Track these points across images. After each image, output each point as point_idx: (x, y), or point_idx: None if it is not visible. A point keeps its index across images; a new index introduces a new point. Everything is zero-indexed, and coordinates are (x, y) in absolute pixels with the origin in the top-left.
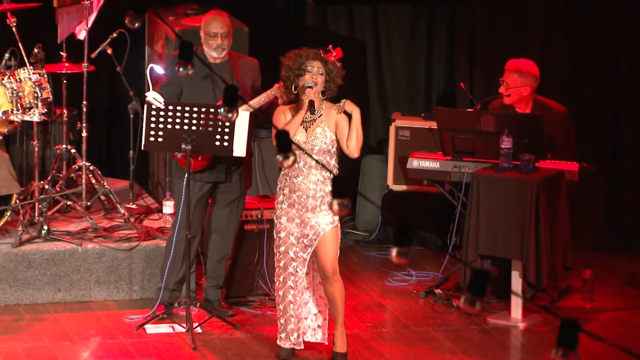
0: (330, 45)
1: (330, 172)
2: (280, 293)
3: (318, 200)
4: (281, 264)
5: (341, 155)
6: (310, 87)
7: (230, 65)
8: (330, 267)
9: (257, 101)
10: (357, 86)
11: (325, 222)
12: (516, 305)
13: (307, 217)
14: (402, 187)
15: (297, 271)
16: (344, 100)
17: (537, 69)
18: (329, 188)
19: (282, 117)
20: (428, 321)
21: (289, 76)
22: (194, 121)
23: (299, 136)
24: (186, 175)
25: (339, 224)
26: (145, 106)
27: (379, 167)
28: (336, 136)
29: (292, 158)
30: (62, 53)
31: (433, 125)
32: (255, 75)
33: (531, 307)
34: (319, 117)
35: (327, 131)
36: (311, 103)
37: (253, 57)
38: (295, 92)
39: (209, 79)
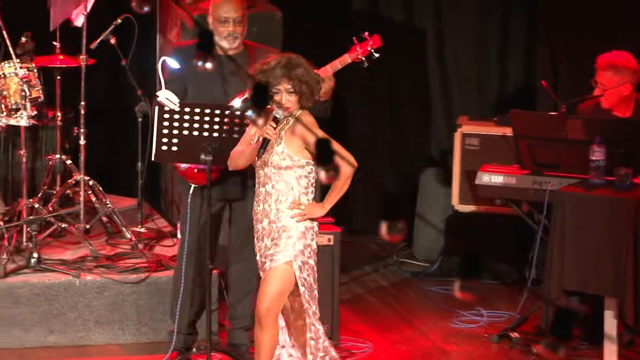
0: (367, 32)
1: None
2: None
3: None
4: None
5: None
6: (277, 119)
7: (246, 58)
8: (264, 308)
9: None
10: (414, 84)
11: (278, 253)
12: (610, 352)
13: (263, 243)
14: (469, 208)
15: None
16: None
17: (635, 61)
18: (288, 212)
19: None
20: None
21: None
22: (216, 126)
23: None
24: (206, 192)
25: (298, 262)
26: (157, 108)
27: (441, 183)
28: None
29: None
30: (55, 43)
31: (508, 132)
32: None
33: (628, 354)
34: (280, 128)
35: (282, 144)
36: (265, 142)
37: (273, 47)
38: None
39: (218, 74)
